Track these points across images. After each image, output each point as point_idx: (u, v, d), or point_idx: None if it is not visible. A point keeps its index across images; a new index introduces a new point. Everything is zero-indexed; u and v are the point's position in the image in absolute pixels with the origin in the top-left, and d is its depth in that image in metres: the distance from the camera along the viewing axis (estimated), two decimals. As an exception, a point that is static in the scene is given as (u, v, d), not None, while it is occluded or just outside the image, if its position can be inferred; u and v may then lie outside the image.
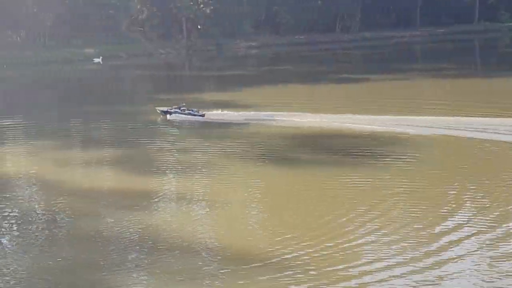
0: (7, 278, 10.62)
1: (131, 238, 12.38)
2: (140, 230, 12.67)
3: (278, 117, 24.40)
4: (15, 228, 13.32)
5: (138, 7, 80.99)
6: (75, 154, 21.48)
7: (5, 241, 12.46)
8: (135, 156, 20.08)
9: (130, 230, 12.74)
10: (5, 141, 23.98)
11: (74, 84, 49.39)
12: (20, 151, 22.13)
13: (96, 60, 64.96)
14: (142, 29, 79.33)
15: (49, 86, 48.02)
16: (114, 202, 14.95)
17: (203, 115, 25.34)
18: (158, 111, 26.11)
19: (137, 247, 11.90)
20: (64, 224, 13.42)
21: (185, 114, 25.44)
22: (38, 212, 14.32)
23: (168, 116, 25.56)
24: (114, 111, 28.80)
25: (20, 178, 17.72)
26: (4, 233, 13.00)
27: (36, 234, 12.84)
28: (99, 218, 13.59)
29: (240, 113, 26.08)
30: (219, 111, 26.08)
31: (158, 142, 22.45)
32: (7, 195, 15.99)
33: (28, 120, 27.73)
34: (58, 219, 13.70)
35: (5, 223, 13.60)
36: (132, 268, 10.95)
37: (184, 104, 25.90)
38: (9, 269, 11.00)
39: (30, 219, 13.75)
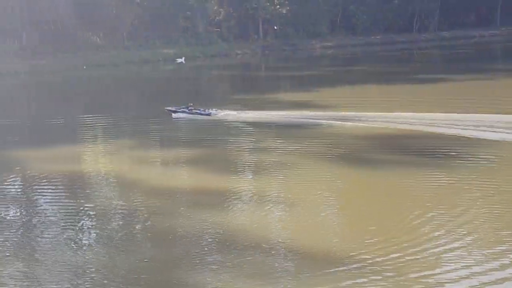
0: (87, 277, 10.72)
1: (208, 237, 12.38)
2: (216, 230, 12.65)
3: (352, 117, 24.24)
4: (93, 225, 13.47)
5: (215, 8, 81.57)
6: (153, 152, 21.72)
7: (84, 238, 12.61)
8: (212, 155, 20.17)
9: (207, 229, 12.74)
10: (86, 139, 24.55)
11: (157, 83, 49.99)
12: (100, 150, 22.58)
13: (179, 60, 65.83)
14: (219, 30, 79.86)
15: (133, 86, 48.87)
16: (191, 201, 15.05)
17: (209, 114, 26.23)
18: (167, 111, 27.07)
19: (214, 247, 11.89)
20: (141, 222, 13.49)
21: (192, 113, 26.42)
22: (116, 210, 14.43)
23: (173, 114, 26.61)
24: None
25: (99, 176, 18.00)
26: (84, 230, 13.17)
27: (114, 232, 12.94)
28: (176, 217, 13.64)
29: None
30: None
31: (235, 141, 22.47)
32: (87, 192, 16.31)
33: (110, 118, 28.26)
34: (136, 217, 13.79)
35: (85, 221, 13.80)
36: (209, 267, 10.93)
37: (191, 104, 26.85)
38: (89, 267, 11.09)
39: (108, 217, 13.89)
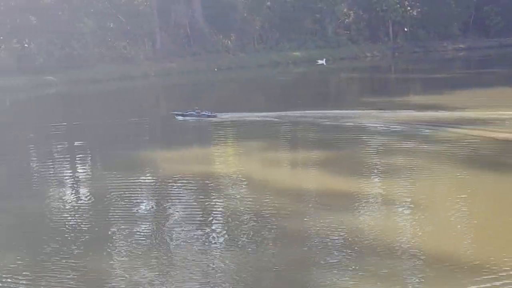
0: (215, 277, 10.76)
1: (334, 239, 12.25)
2: (343, 232, 12.51)
3: (483, 120, 23.59)
4: (222, 226, 13.56)
5: (345, 10, 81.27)
6: (282, 154, 21.81)
7: (212, 239, 12.68)
8: (341, 157, 20.02)
9: (334, 231, 12.61)
10: (216, 138, 25.00)
11: (286, 86, 50.31)
12: (229, 150, 22.94)
13: (320, 61, 66.18)
14: (348, 32, 79.52)
15: (263, 88, 49.44)
16: (319, 203, 14.95)
17: (215, 116, 28.10)
18: (173, 114, 28.57)
19: (340, 249, 11.75)
20: (269, 223, 13.52)
21: (199, 116, 28.16)
22: (244, 211, 14.56)
23: (179, 117, 28.21)
24: (324, 113, 28.98)
25: (228, 177, 18.19)
26: (212, 231, 13.29)
27: (242, 232, 12.97)
28: (304, 218, 13.59)
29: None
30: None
31: (362, 143, 22.32)
32: (216, 193, 16.53)
33: (239, 119, 28.63)
34: (263, 218, 13.83)
35: (213, 221, 13.96)
36: (334, 269, 10.81)
37: (197, 108, 28.51)
38: (216, 267, 11.13)
39: (236, 217, 13.96)
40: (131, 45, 67.21)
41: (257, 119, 28.19)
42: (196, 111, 28.54)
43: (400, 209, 14.02)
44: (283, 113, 29.11)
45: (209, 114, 28.55)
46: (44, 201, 16.46)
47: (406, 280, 10.30)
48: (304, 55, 70.28)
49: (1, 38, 65.85)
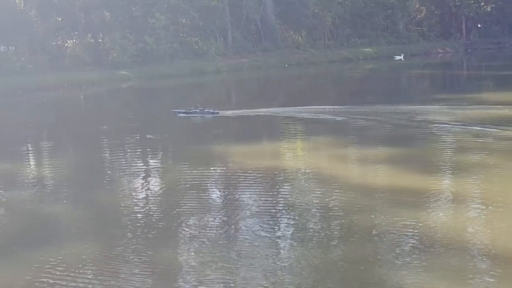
0: (284, 272, 10.79)
1: (404, 235, 12.15)
2: (412, 228, 12.43)
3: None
4: (291, 222, 13.56)
5: (417, 6, 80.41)
6: (351, 149, 21.78)
7: (281, 234, 12.71)
8: (411, 153, 19.86)
9: (403, 227, 12.53)
10: (286, 135, 25.10)
11: (357, 82, 50.13)
12: (299, 146, 23.03)
13: (398, 57, 65.90)
14: (419, 28, 78.65)
15: (333, 83, 49.34)
16: (388, 199, 14.88)
17: (217, 113, 29.08)
18: (175, 113, 29.50)
19: (411, 246, 11.64)
20: (339, 220, 13.53)
21: (203, 113, 29.27)
22: (313, 205, 14.61)
23: (181, 114, 29.21)
24: (395, 108, 28.82)
25: (298, 173, 18.25)
26: (282, 226, 13.33)
27: (311, 228, 12.97)
28: (374, 215, 13.53)
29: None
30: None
31: (435, 140, 22.04)
32: (285, 188, 16.63)
33: (307, 114, 28.69)
34: (332, 214, 13.84)
35: (283, 217, 13.99)
36: (406, 266, 10.74)
37: (198, 105, 29.60)
38: (285, 263, 11.16)
39: (306, 213, 14.00)
40: (203, 41, 67.87)
41: (327, 116, 28.13)
42: (199, 108, 29.68)
43: (472, 207, 13.86)
44: (352, 109, 29.05)
45: (213, 111, 29.65)
46: (117, 193, 16.86)
47: (478, 280, 10.18)
48: (375, 51, 69.83)
49: (76, 33, 67.31)
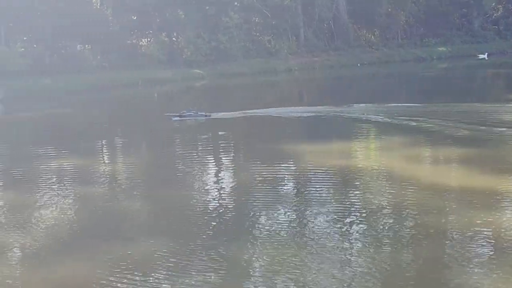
0: (354, 274, 10.77)
1: (477, 237, 11.97)
2: (485, 230, 12.22)
3: None
4: (362, 221, 13.47)
5: (493, 5, 78.88)
6: (424, 149, 21.53)
7: (352, 234, 12.67)
8: (485, 154, 19.54)
9: (477, 229, 12.33)
10: (357, 134, 24.99)
11: (430, 81, 49.46)
12: (371, 145, 22.91)
13: (481, 56, 65.03)
14: (496, 27, 77.15)
15: (406, 83, 48.83)
16: (461, 200, 14.62)
17: (209, 116, 29.46)
18: (170, 117, 29.54)
19: (484, 248, 11.51)
20: (411, 220, 13.37)
21: (196, 116, 29.51)
22: (384, 205, 14.52)
23: (176, 118, 29.34)
24: (468, 106, 28.42)
25: (370, 172, 18.16)
26: (353, 226, 13.22)
27: (383, 228, 12.87)
28: (446, 216, 13.37)
29: None
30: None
31: (506, 142, 21.67)
32: (357, 188, 16.58)
33: (381, 114, 28.51)
34: (403, 214, 13.69)
35: (354, 216, 13.86)
36: (478, 268, 10.60)
37: (190, 108, 29.81)
38: (356, 264, 11.11)
39: (377, 213, 13.86)
40: (275, 39, 68.05)
41: (397, 115, 27.84)
42: (193, 111, 29.90)
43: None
44: (424, 108, 28.78)
45: (205, 114, 30.01)
46: (188, 189, 17.11)
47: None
48: (449, 51, 68.84)
49: (151, 32, 68.31)
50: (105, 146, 27.27)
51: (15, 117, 39.25)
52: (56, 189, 18.16)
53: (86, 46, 65.96)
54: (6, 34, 58.90)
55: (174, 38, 68.43)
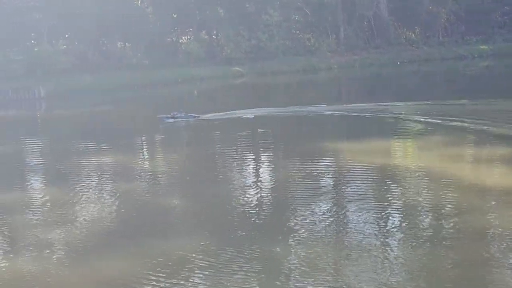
0: (394, 273, 10.75)
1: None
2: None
3: None
4: (401, 221, 13.43)
5: (537, 2, 77.74)
6: (465, 148, 21.31)
7: (391, 234, 12.63)
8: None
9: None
10: (397, 132, 24.84)
11: (469, 80, 49.02)
12: (410, 144, 22.77)
13: None
14: (540, 25, 76.03)
15: (446, 81, 48.42)
16: (502, 200, 14.52)
17: (197, 117, 29.57)
18: (163, 118, 29.49)
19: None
20: (449, 218, 13.32)
21: (187, 117, 29.55)
22: (424, 204, 14.45)
23: (170, 120, 29.42)
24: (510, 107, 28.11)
25: (409, 171, 18.05)
26: (391, 225, 13.19)
27: (422, 228, 12.79)
28: (486, 216, 13.28)
29: None
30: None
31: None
32: (394, 187, 16.52)
33: (418, 112, 28.33)
34: (443, 213, 13.63)
35: (392, 216, 13.82)
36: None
37: (181, 110, 29.91)
38: (396, 264, 11.06)
39: (416, 212, 13.84)
40: (315, 37, 67.91)
41: (439, 118, 27.55)
42: (183, 113, 30.00)
43: None
44: (467, 107, 28.56)
45: (195, 115, 30.23)
46: (228, 186, 17.21)
47: None
48: (491, 49, 68.02)
49: (191, 29, 68.63)
50: (145, 142, 27.54)
51: (57, 114, 39.82)
52: (96, 185, 18.43)
53: (127, 43, 66.51)
54: (48, 32, 59.64)
55: (214, 36, 68.69)
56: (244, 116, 29.99)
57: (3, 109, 43.86)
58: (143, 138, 28.14)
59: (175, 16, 67.29)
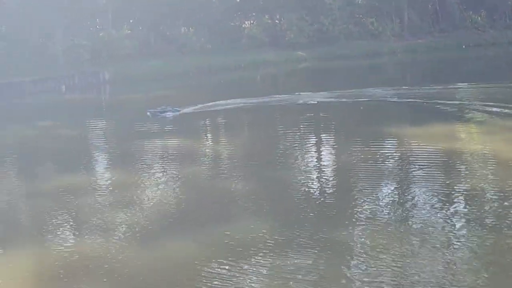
0: (463, 260, 10.66)
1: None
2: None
3: None
4: (465, 206, 13.29)
5: None
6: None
7: (455, 219, 12.42)
8: None
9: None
10: (461, 118, 24.49)
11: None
12: (474, 129, 22.44)
13: None
14: None
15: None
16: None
17: (178, 110, 28.88)
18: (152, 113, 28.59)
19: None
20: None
21: (173, 111, 28.94)
22: (488, 191, 14.25)
23: (161, 115, 28.56)
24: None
25: (475, 156, 17.81)
26: (456, 211, 13.03)
27: (486, 213, 12.61)
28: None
29: None
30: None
31: None
32: (460, 171, 16.36)
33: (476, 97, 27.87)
34: (509, 199, 13.44)
35: (457, 201, 13.66)
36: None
37: (168, 105, 29.20)
38: (461, 253, 10.91)
39: (480, 198, 13.65)
40: (378, 21, 67.20)
41: (503, 103, 27.07)
42: (169, 107, 29.46)
43: None
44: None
45: (178, 109, 29.66)
46: (291, 170, 17.24)
47: None
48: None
49: (254, 14, 68.66)
50: (208, 126, 27.78)
51: (120, 98, 40.39)
52: (160, 167, 18.71)
53: (190, 28, 66.89)
54: (113, 18, 60.39)
55: (277, 21, 68.54)
56: (309, 102, 29.97)
57: (70, 92, 44.78)
58: (207, 121, 28.35)
59: (238, 0, 67.39)
